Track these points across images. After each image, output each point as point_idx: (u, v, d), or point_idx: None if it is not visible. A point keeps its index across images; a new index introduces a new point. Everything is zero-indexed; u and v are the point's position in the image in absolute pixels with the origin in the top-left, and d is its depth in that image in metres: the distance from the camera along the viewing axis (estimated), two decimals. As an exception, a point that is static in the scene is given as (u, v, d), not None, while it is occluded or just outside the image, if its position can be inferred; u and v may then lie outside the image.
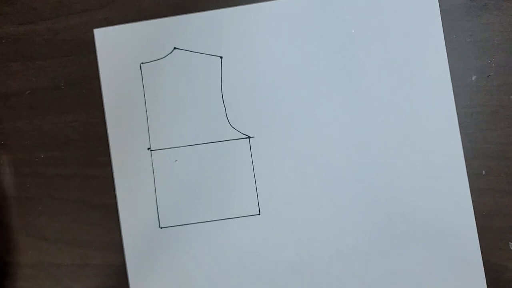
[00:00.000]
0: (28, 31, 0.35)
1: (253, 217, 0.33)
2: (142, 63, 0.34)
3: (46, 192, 0.34)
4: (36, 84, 0.35)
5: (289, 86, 0.33)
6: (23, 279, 0.34)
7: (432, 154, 0.33)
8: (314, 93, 0.33)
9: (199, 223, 0.33)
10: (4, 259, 0.35)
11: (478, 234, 0.33)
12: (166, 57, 0.33)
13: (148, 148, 0.33)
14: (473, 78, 0.34)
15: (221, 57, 0.33)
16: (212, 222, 0.33)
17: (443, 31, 0.34)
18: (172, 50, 0.33)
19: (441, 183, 0.33)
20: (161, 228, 0.33)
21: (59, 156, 0.35)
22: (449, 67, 0.34)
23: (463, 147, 0.34)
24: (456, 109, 0.34)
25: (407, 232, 0.32)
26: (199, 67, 0.33)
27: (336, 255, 0.33)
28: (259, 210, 0.33)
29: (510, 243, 0.33)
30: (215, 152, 0.33)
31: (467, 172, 0.34)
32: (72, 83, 0.34)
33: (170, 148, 0.33)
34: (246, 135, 0.33)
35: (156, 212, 0.33)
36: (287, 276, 0.33)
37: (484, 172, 0.34)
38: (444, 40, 0.33)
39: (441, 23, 0.33)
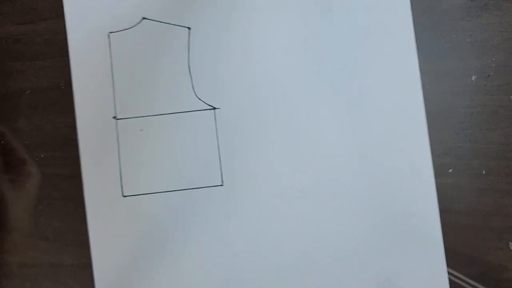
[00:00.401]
0: (28, 31, 0.35)
1: (216, 188, 0.33)
2: (111, 32, 0.34)
3: (46, 192, 0.34)
4: (36, 84, 0.35)
5: (255, 59, 0.34)
6: (23, 279, 0.34)
7: (399, 153, 0.33)
8: (280, 66, 0.33)
9: (163, 193, 0.33)
10: (4, 259, 0.35)
11: (478, 234, 0.34)
12: (135, 27, 0.34)
13: (114, 117, 0.33)
14: (473, 78, 0.34)
15: (189, 28, 0.33)
16: (176, 192, 0.33)
17: (443, 31, 0.34)
18: (141, 20, 0.34)
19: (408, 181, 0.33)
20: (124, 196, 0.33)
21: (59, 156, 0.34)
22: (449, 67, 0.34)
23: (463, 147, 0.34)
24: (456, 109, 0.34)
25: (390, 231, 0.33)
26: (167, 38, 0.34)
27: (296, 224, 0.33)
28: (222, 181, 0.33)
29: (510, 243, 0.33)
30: (181, 123, 0.33)
31: (467, 172, 0.34)
32: (72, 83, 0.34)
33: (135, 117, 0.33)
34: (212, 106, 0.33)
35: (120, 180, 0.33)
36: (248, 245, 0.33)
37: (484, 172, 0.34)
38: (414, 37, 0.33)
39: (412, 25, 0.33)
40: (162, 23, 0.33)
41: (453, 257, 0.33)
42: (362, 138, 0.33)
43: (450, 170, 0.34)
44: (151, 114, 0.33)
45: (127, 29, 0.34)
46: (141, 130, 0.33)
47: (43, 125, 0.35)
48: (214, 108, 0.33)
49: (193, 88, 0.33)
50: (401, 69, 0.33)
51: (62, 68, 0.35)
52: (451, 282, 0.33)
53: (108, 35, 0.34)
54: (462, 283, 0.33)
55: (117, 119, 0.33)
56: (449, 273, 0.33)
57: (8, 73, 0.35)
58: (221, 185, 0.33)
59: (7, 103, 0.35)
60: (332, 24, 0.33)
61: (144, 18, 0.34)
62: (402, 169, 0.33)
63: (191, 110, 0.33)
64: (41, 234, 0.34)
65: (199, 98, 0.33)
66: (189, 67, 0.33)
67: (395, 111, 0.33)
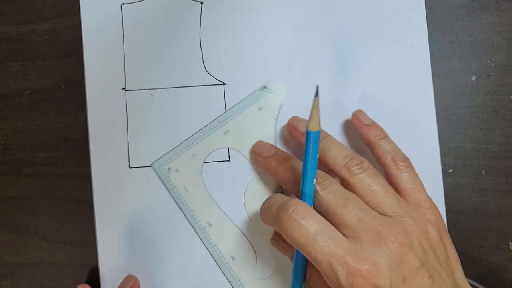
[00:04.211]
0: (28, 31, 0.35)
1: (223, 163, 0.33)
2: (123, 4, 0.34)
3: (46, 192, 0.34)
4: (36, 84, 0.35)
5: (266, 35, 0.34)
6: (23, 279, 0.34)
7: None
8: (292, 43, 0.33)
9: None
10: (4, 259, 0.35)
11: (479, 234, 0.34)
12: None
13: (123, 88, 0.33)
14: (473, 78, 0.34)
15: (201, 3, 0.34)
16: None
17: (443, 31, 0.34)
18: None
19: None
20: (131, 168, 0.33)
21: (59, 156, 0.35)
22: (449, 67, 0.34)
23: (463, 147, 0.34)
24: (456, 109, 0.34)
25: None
26: (179, 12, 0.34)
27: None
28: (229, 157, 0.33)
29: (510, 243, 0.33)
30: (190, 97, 0.33)
31: (467, 172, 0.34)
32: (72, 83, 0.34)
33: (145, 89, 0.33)
34: (221, 81, 0.33)
35: (127, 151, 0.33)
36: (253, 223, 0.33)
37: (484, 172, 0.34)
38: (428, 43, 0.33)
39: (426, 26, 0.33)
40: None
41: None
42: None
43: (450, 170, 0.34)
44: (161, 87, 0.34)
45: (140, 1, 0.34)
46: (152, 95, 0.33)
47: (43, 125, 0.35)
48: (224, 84, 0.33)
49: (203, 63, 0.34)
50: (413, 69, 0.33)
51: (62, 68, 0.35)
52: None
53: (121, 7, 0.34)
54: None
55: (127, 90, 0.33)
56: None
57: (8, 73, 0.35)
58: (228, 161, 0.33)
59: (7, 103, 0.35)
60: (342, 13, 0.34)
61: None
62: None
63: (201, 84, 0.34)
64: (41, 234, 0.34)
65: (209, 73, 0.33)
66: (200, 41, 0.34)
67: (406, 110, 0.33)
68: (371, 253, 0.24)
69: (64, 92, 0.35)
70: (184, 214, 0.33)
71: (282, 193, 0.32)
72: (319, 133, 0.25)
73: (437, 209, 0.28)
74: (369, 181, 0.27)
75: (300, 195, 0.26)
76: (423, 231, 0.26)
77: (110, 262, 0.33)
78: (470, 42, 0.34)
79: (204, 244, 0.33)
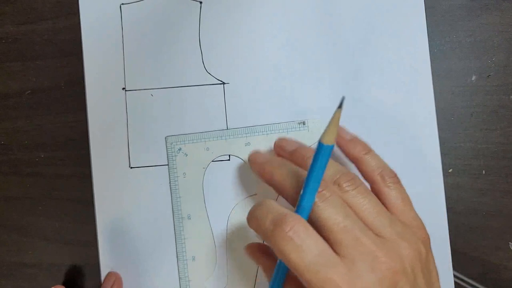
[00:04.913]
0: (28, 31, 0.35)
1: (223, 162, 0.33)
2: (123, 3, 0.34)
3: (46, 192, 0.34)
4: (36, 84, 0.35)
5: (265, 34, 0.34)
6: (23, 279, 0.34)
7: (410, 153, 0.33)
8: (292, 42, 0.33)
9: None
10: (4, 259, 0.35)
11: (478, 234, 0.34)
12: None
13: (123, 88, 0.33)
14: (473, 78, 0.34)
15: (200, 2, 0.34)
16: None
17: (443, 31, 0.34)
18: None
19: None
20: (131, 168, 0.33)
21: (59, 156, 0.35)
22: (449, 67, 0.34)
23: (463, 147, 0.34)
24: (456, 109, 0.34)
25: None
26: (178, 11, 0.34)
27: None
28: (229, 156, 0.33)
29: (510, 243, 0.33)
30: (190, 96, 0.33)
31: (467, 172, 0.34)
32: (72, 83, 0.34)
33: (144, 89, 0.34)
34: (221, 81, 0.33)
35: (127, 151, 0.33)
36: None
37: (484, 172, 0.34)
38: (428, 44, 0.33)
39: (425, 26, 0.33)
40: None
41: (453, 257, 0.33)
42: (370, 133, 0.33)
43: (450, 170, 0.34)
44: (161, 87, 0.34)
45: (139, 1, 0.34)
46: (152, 95, 0.33)
47: (43, 125, 0.35)
48: (224, 83, 0.34)
49: (203, 62, 0.34)
50: (413, 68, 0.33)
51: (62, 68, 0.35)
52: (451, 282, 0.33)
53: (120, 7, 0.34)
54: (462, 283, 0.33)
55: (127, 90, 0.34)
56: (449, 273, 0.33)
57: (8, 73, 0.35)
58: (228, 160, 0.33)
59: (7, 103, 0.35)
60: (341, 12, 0.34)
61: None
62: (412, 169, 0.33)
63: (201, 84, 0.34)
64: (41, 234, 0.34)
65: (208, 73, 0.33)
66: (199, 41, 0.34)
67: (406, 110, 0.33)
68: (366, 280, 0.23)
69: (64, 92, 0.35)
70: (171, 198, 0.33)
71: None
72: (332, 147, 0.24)
73: (424, 225, 0.28)
74: (361, 198, 0.26)
75: (296, 207, 0.25)
76: (415, 253, 0.25)
77: (110, 262, 0.33)
78: (470, 42, 0.34)
79: (175, 235, 0.33)
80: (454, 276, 0.33)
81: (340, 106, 0.22)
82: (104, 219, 0.33)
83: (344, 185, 0.26)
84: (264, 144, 0.33)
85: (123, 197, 0.33)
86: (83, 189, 0.34)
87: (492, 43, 0.34)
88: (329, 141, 0.23)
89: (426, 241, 0.27)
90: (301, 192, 0.25)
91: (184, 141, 0.33)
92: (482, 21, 0.34)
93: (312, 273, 0.23)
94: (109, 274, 0.33)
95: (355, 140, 0.30)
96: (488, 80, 0.34)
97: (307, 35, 0.34)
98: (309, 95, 0.33)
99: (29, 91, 0.35)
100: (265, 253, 0.29)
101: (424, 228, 0.28)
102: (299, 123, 0.33)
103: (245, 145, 0.33)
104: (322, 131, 0.24)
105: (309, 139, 0.33)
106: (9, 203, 0.35)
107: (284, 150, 0.31)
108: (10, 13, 0.35)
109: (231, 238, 0.33)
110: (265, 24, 0.34)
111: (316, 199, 0.25)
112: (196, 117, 0.33)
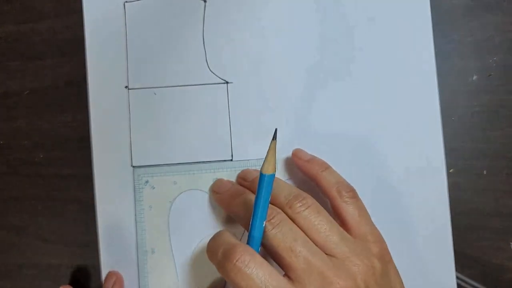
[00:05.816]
0: (27, 30, 0.35)
1: (226, 162, 0.33)
2: (126, 2, 0.34)
3: (46, 192, 0.34)
4: (36, 84, 0.35)
5: (269, 34, 0.34)
6: (23, 279, 0.34)
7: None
8: (295, 42, 0.33)
9: (172, 165, 0.33)
10: (3, 259, 0.35)
11: (479, 234, 0.34)
12: None
13: (126, 87, 0.33)
14: (474, 77, 0.34)
15: (205, 1, 0.34)
16: (184, 165, 0.33)
17: (444, 31, 0.34)
18: None
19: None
20: (133, 167, 0.33)
21: (59, 156, 0.34)
22: (450, 66, 0.34)
23: (464, 147, 0.34)
24: (457, 108, 0.34)
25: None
26: (182, 10, 0.34)
27: None
28: (232, 156, 0.33)
29: (511, 243, 0.34)
30: (193, 95, 0.33)
31: (468, 172, 0.34)
32: (71, 82, 0.34)
33: (147, 88, 0.33)
34: (225, 80, 0.33)
35: (129, 150, 0.33)
36: None
37: (484, 172, 0.34)
38: (433, 43, 0.33)
39: (431, 25, 0.33)
40: None
41: (454, 257, 0.33)
42: (371, 132, 0.33)
43: (451, 170, 0.34)
44: (164, 86, 0.33)
45: None
46: (155, 94, 0.33)
47: (43, 125, 0.35)
48: (227, 82, 0.33)
49: (206, 61, 0.33)
50: (418, 68, 0.33)
51: (62, 67, 0.35)
52: (451, 282, 0.33)
53: (124, 5, 0.34)
54: (463, 283, 0.33)
55: (129, 89, 0.33)
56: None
57: (8, 73, 0.35)
58: (231, 160, 0.33)
59: (6, 103, 0.35)
60: (345, 11, 0.33)
61: None
62: (416, 170, 0.33)
63: (204, 83, 0.33)
64: (40, 235, 0.34)
65: (212, 72, 0.33)
66: (203, 40, 0.33)
67: (410, 110, 0.33)
68: None
69: (64, 92, 0.35)
70: (136, 230, 0.33)
71: None
72: (273, 176, 0.25)
73: (382, 239, 0.28)
74: (312, 218, 0.27)
75: (248, 237, 0.26)
76: (368, 268, 0.26)
77: (111, 262, 0.33)
78: (471, 41, 0.34)
79: (138, 268, 0.33)
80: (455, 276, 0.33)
81: (274, 138, 0.25)
82: (105, 219, 0.33)
83: (296, 206, 0.27)
84: (232, 178, 0.33)
85: (125, 195, 0.33)
86: (83, 189, 0.34)
87: (493, 43, 0.34)
88: (269, 170, 0.25)
89: (382, 253, 0.28)
90: (251, 221, 0.26)
91: (152, 173, 0.33)
92: (483, 20, 0.34)
93: None
94: (109, 274, 0.33)
95: (313, 159, 0.31)
96: (489, 79, 0.34)
97: (311, 34, 0.33)
98: (309, 95, 0.33)
99: (29, 91, 0.35)
100: None
101: (381, 241, 0.28)
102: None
103: (213, 180, 0.33)
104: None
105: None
106: (8, 203, 0.35)
107: (245, 180, 0.31)
108: (9, 12, 0.35)
109: (195, 274, 0.33)
110: (269, 23, 0.34)
111: (268, 226, 0.26)
112: (199, 116, 0.33)
